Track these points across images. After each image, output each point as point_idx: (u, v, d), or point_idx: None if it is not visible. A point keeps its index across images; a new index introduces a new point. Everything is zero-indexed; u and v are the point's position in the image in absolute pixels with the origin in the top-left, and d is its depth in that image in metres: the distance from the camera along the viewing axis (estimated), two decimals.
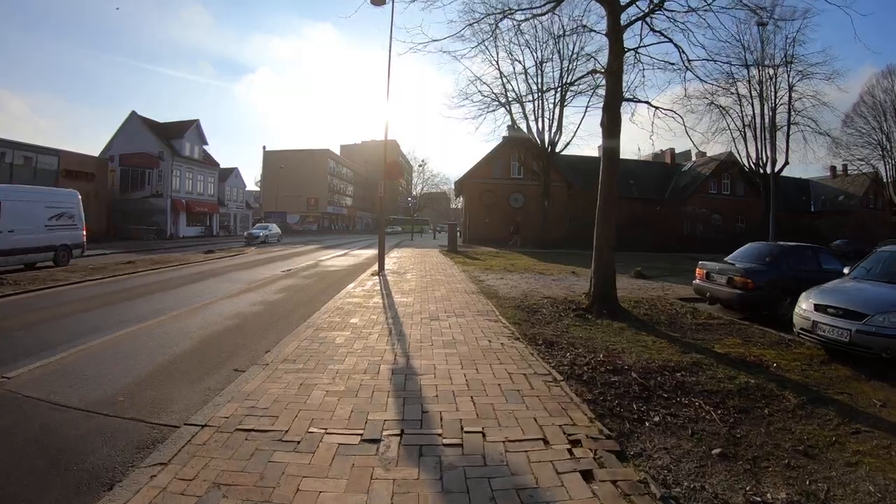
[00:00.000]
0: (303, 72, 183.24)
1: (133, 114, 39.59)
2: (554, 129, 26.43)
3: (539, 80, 26.50)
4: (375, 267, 12.97)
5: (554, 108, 26.25)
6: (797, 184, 48.57)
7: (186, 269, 14.85)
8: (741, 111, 34.14)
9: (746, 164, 34.35)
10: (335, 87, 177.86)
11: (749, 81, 33.59)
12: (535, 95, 26.40)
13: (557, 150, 26.65)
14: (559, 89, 25.98)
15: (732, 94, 33.85)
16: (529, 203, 32.23)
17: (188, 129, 39.31)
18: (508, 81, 26.30)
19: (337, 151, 77.29)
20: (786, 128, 33.52)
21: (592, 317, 7.53)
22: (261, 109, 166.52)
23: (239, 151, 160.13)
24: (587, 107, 26.27)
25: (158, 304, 8.40)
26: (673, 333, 6.58)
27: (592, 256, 8.43)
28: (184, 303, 8.50)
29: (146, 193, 37.99)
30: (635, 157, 44.50)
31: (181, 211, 37.94)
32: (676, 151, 45.42)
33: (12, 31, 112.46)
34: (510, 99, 26.30)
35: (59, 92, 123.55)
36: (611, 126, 8.39)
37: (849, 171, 49.88)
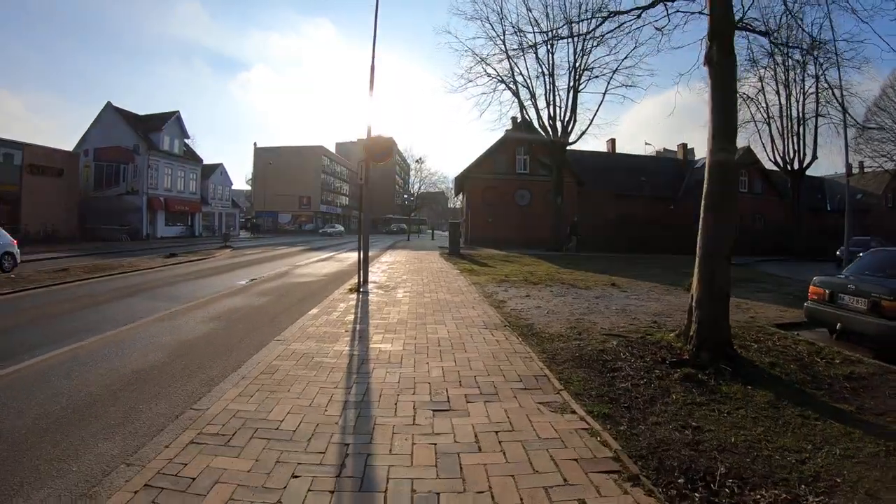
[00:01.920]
0: (300, 70, 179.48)
1: (108, 105, 36.07)
2: (567, 116, 23.13)
3: (549, 62, 23.20)
4: (353, 282, 9.66)
5: (569, 92, 22.95)
6: (811, 182, 45.56)
7: (125, 278, 11.51)
8: (765, 100, 31.07)
9: (771, 159, 31.21)
10: (333, 84, 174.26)
11: (775, 69, 30.56)
12: (547, 78, 23.12)
13: (571, 140, 23.34)
14: (573, 72, 22.72)
15: (754, 79, 30.85)
16: (536, 201, 28.96)
17: (167, 122, 35.84)
18: (516, 64, 22.99)
19: (332, 149, 73.86)
20: (813, 119, 30.51)
21: (708, 378, 4.28)
22: (257, 107, 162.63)
23: (236, 150, 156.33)
24: (605, 91, 22.96)
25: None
26: (848, 407, 3.60)
27: (694, 276, 5.15)
28: (29, 346, 5.16)
29: (121, 191, 34.51)
30: (637, 153, 41.45)
31: (158, 209, 34.46)
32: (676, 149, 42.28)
33: (8, 29, 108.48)
34: (517, 82, 23.02)
35: (57, 91, 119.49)
36: (723, 59, 5.11)
37: (865, 169, 47.00)
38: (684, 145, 41.16)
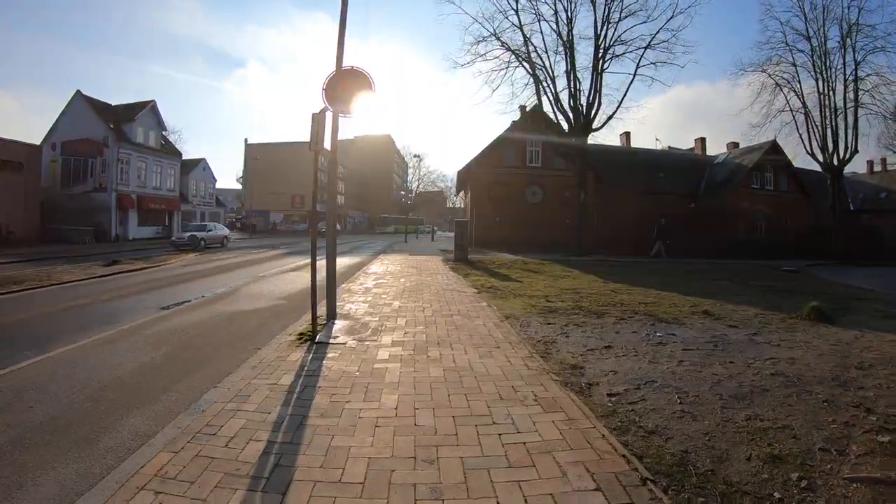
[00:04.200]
0: (296, 66, 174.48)
1: (77, 93, 31.99)
2: (591, 97, 19.27)
3: (568, 35, 19.35)
4: (322, 309, 5.80)
5: (593, 71, 19.09)
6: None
7: (12, 301, 7.65)
8: (800, 87, 27.34)
9: (809, 151, 27.46)
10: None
11: (812, 52, 26.85)
12: (566, 53, 19.28)
13: (595, 126, 19.49)
14: (598, 46, 18.90)
15: (788, 65, 27.19)
16: (550, 198, 25.15)
17: (141, 111, 31.79)
18: (530, 38, 19.14)
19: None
20: (853, 109, 26.85)
21: None
22: (253, 105, 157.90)
23: (232, 148, 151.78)
24: (637, 65, 19.10)
25: None
26: None
27: None
28: None
29: (88, 187, 30.48)
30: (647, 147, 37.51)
31: (130, 208, 30.43)
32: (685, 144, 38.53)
33: (2, 27, 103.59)
34: (532, 60, 19.17)
35: (50, 89, 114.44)
36: None
37: (888, 166, 43.58)
38: (703, 139, 37.48)
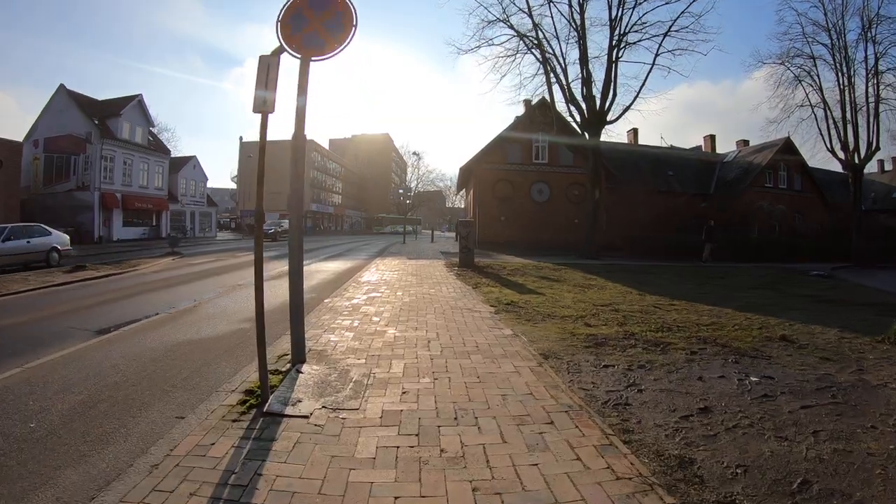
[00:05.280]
0: (295, 63, 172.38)
1: (61, 87, 30.12)
2: (605, 88, 17.51)
3: (581, 17, 17.62)
4: (286, 344, 4.06)
5: (609, 58, 17.37)
6: (840, 178, 40.46)
7: None
8: (819, 81, 25.68)
9: (829, 148, 25.79)
10: (327, 79, 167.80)
11: (832, 45, 25.17)
12: (578, 40, 17.55)
13: (610, 118, 17.74)
14: (612, 32, 17.20)
15: (806, 58, 25.56)
16: (557, 197, 23.44)
17: (127, 106, 29.92)
18: (539, 24, 17.41)
19: (326, 145, 68.04)
20: (874, 104, 25.23)
21: None
22: (250, 104, 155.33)
23: (229, 147, 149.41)
24: (657, 53, 17.36)
25: None
26: None
27: None
28: None
29: (71, 186, 28.63)
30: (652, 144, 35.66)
31: (114, 207, 28.57)
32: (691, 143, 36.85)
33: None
34: (543, 48, 17.44)
35: (48, 87, 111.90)
36: None
37: None
38: (712, 137, 35.86)
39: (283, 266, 14.39)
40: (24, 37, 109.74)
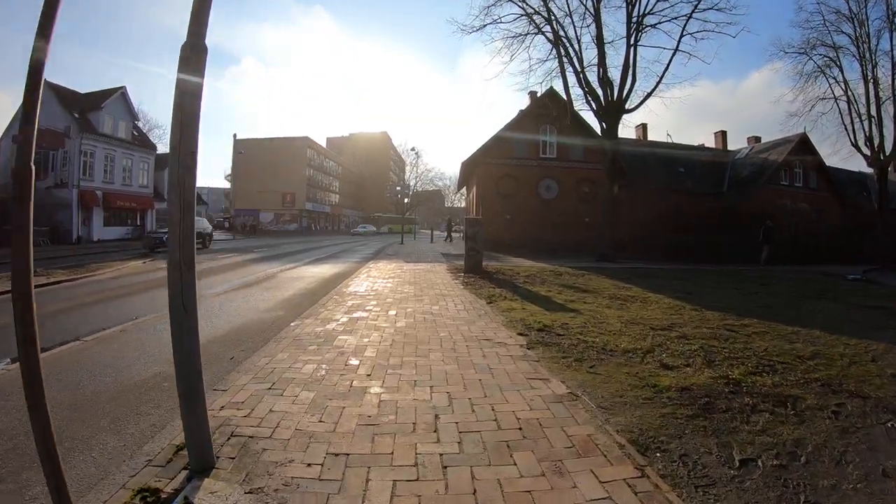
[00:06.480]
0: (291, 63, 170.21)
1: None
2: (623, 74, 15.66)
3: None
4: (176, 432, 2.18)
5: (628, 42, 15.50)
6: (853, 178, 38.77)
7: None
8: (842, 74, 23.93)
9: (853, 143, 24.06)
10: (324, 78, 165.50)
11: (857, 38, 23.39)
12: (593, 20, 15.71)
13: (628, 108, 15.88)
14: (630, 12, 15.39)
15: (829, 48, 23.83)
16: (566, 193, 21.58)
17: (109, 99, 27.95)
18: (549, 2, 15.54)
19: (323, 144, 66.01)
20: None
21: None
22: (247, 103, 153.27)
23: (226, 146, 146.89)
24: (682, 34, 15.47)
25: None
26: None
27: None
28: None
29: (49, 183, 26.63)
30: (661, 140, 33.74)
31: (94, 206, 26.61)
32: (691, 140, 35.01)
33: None
34: (554, 28, 15.59)
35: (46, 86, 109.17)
36: None
37: None
38: (723, 133, 34.07)
39: (264, 268, 12.40)
40: (19, 34, 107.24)
